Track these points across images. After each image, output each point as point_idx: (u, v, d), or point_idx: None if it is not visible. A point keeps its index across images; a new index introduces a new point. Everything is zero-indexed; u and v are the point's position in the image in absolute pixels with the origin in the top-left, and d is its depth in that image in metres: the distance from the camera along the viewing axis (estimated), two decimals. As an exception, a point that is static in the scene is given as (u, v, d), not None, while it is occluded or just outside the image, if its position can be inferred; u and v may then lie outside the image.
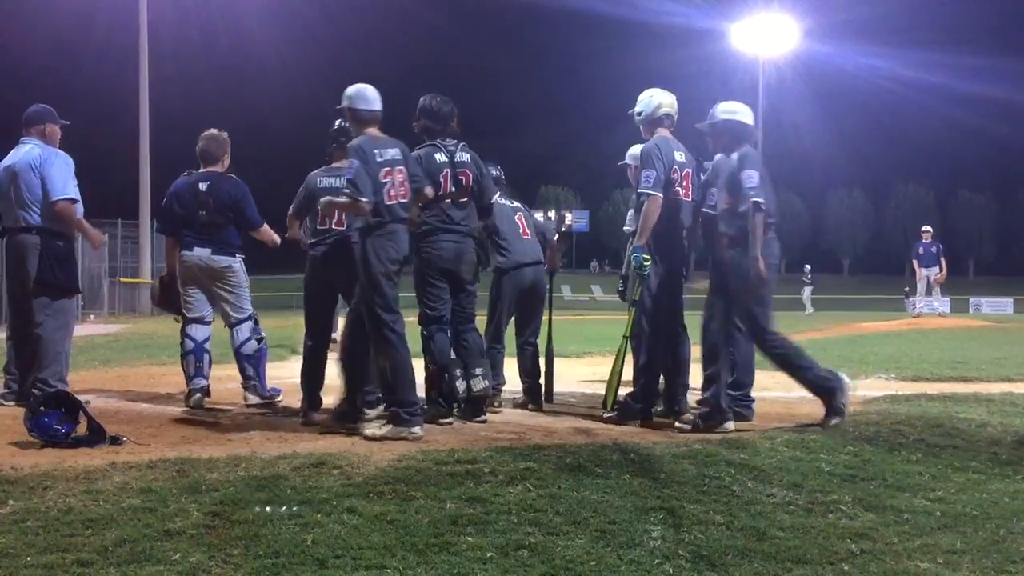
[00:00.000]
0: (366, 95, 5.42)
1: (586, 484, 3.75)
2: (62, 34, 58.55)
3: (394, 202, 5.23)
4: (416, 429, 5.05)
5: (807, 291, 41.07)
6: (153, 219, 32.98)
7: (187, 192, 6.44)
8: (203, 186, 6.40)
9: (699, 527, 3.14)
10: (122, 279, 31.15)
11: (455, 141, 5.81)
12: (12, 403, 6.18)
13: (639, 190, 5.75)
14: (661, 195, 5.60)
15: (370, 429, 5.12)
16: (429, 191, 5.56)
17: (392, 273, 5.22)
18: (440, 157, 5.70)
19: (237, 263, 6.52)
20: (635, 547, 2.91)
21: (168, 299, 6.67)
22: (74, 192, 6.28)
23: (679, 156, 5.73)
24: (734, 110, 5.71)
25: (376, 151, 5.23)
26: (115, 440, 4.75)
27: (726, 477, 3.91)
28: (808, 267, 44.42)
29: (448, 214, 5.70)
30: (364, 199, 5.10)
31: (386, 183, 5.20)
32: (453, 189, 5.69)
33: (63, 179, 6.20)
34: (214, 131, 6.61)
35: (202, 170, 6.53)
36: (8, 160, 6.29)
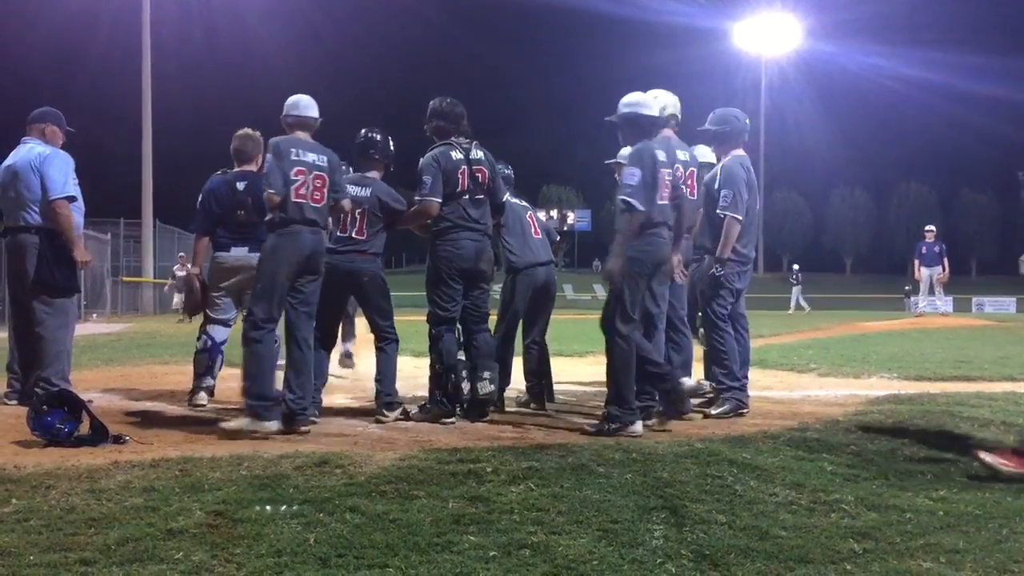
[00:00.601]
0: (298, 103, 5.55)
1: (588, 483, 3.76)
2: (65, 34, 58.70)
3: (301, 201, 5.30)
4: (270, 424, 5.10)
5: (796, 291, 41.76)
6: (156, 218, 33.10)
7: (224, 191, 6.42)
8: (241, 185, 6.38)
9: (701, 526, 3.14)
10: (124, 278, 31.20)
11: (468, 140, 5.82)
12: (15, 402, 6.19)
13: None
14: None
15: (226, 424, 5.19)
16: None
17: (283, 275, 5.28)
18: (456, 155, 5.72)
19: None
20: (637, 546, 2.91)
21: (204, 301, 6.62)
22: (73, 190, 6.27)
23: (682, 155, 5.73)
24: (635, 102, 5.54)
25: (293, 150, 5.33)
26: (118, 439, 4.75)
27: (728, 476, 3.91)
28: (796, 267, 44.84)
29: (467, 211, 5.71)
30: (272, 190, 5.23)
31: (295, 181, 5.28)
32: (471, 186, 5.71)
33: (63, 178, 6.19)
34: (248, 130, 6.58)
35: (237, 169, 6.50)
36: (9, 160, 6.29)
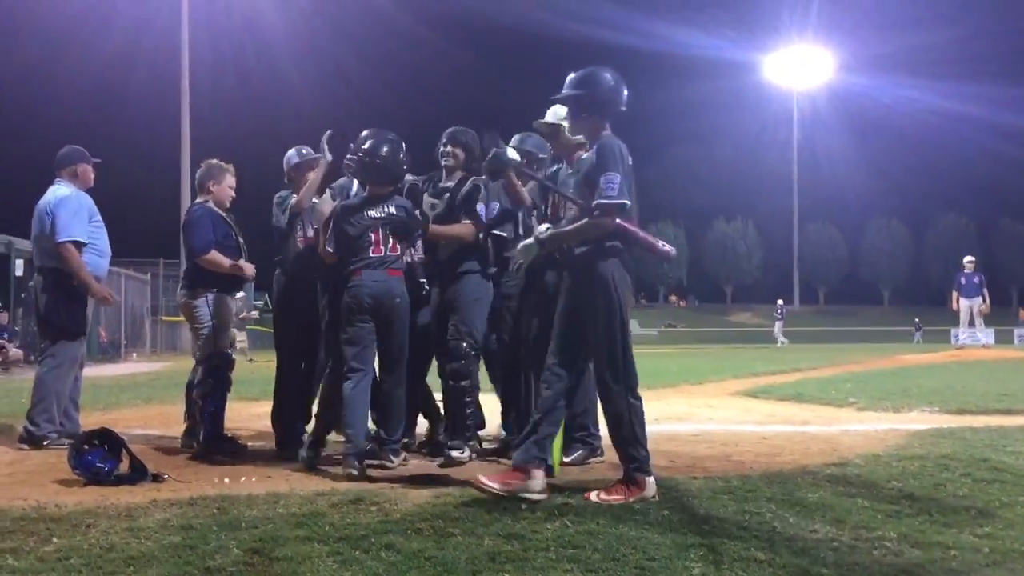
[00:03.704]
0: None
1: (624, 520, 3.72)
2: (104, 77, 60.11)
3: None
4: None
5: (778, 325, 42.40)
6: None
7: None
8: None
9: (740, 564, 3.09)
10: (163, 318, 31.62)
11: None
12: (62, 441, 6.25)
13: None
14: None
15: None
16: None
17: None
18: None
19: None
20: (675, 584, 2.87)
21: None
22: (80, 234, 6.29)
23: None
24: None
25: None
26: (156, 477, 4.79)
27: (767, 513, 3.86)
28: (781, 302, 45.30)
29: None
30: None
31: None
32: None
33: (68, 221, 6.25)
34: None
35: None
36: (40, 203, 6.44)
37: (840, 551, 3.28)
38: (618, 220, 4.24)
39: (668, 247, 4.55)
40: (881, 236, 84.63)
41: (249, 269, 6.26)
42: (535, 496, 4.12)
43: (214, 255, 6.09)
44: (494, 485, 4.14)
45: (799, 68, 73.22)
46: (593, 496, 4.14)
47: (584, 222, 4.28)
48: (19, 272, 20.18)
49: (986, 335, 24.90)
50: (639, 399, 4.36)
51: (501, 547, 3.30)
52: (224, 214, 6.34)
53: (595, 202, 4.21)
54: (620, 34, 73.53)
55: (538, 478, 4.20)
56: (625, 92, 4.46)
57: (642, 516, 3.80)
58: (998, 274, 66.34)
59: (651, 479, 4.24)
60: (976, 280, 20.50)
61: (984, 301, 20.41)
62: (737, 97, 78.20)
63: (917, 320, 57.30)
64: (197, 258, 6.11)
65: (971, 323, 21.11)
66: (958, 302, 20.69)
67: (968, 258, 21.26)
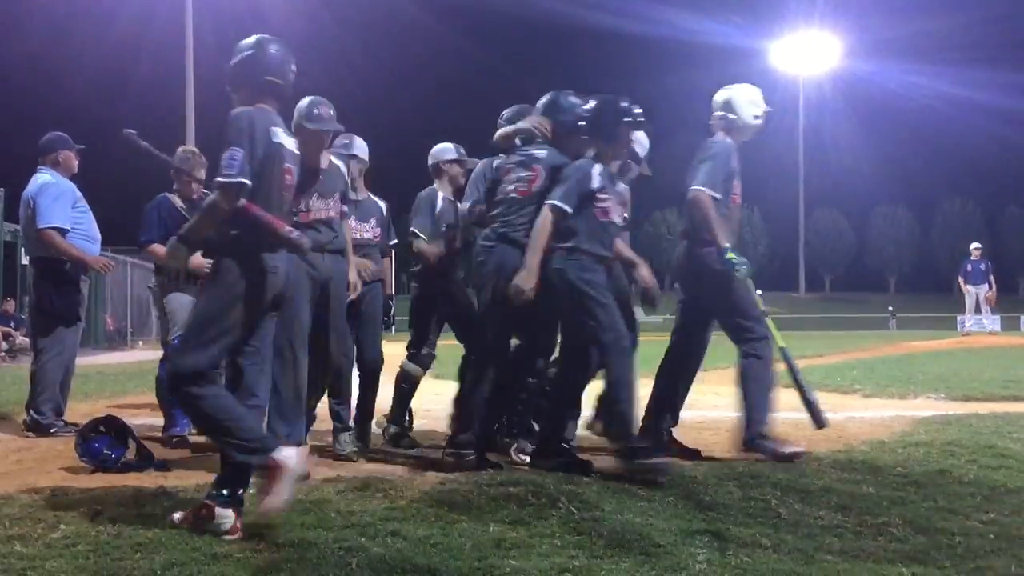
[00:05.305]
0: None
1: (630, 506, 3.73)
2: (110, 66, 60.08)
3: None
4: None
5: None
6: (199, 246, 33.55)
7: None
8: None
9: (745, 550, 3.10)
10: (170, 306, 31.67)
11: None
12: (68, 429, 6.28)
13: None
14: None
15: None
16: None
17: None
18: None
19: None
20: (680, 570, 2.88)
21: None
22: (61, 220, 6.20)
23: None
24: None
25: None
26: (163, 464, 4.81)
27: (772, 499, 3.86)
28: (759, 292, 45.81)
29: None
30: None
31: None
32: None
33: (48, 207, 6.18)
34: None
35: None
36: (24, 192, 6.41)
37: (845, 537, 3.28)
38: (243, 201, 3.52)
39: (298, 235, 3.71)
40: (887, 223, 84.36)
41: (198, 263, 5.45)
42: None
43: (154, 248, 5.85)
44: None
45: (805, 54, 72.85)
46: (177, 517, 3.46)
47: (202, 205, 3.64)
48: (25, 261, 20.26)
49: (992, 322, 24.83)
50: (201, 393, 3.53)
51: (507, 533, 3.31)
52: (183, 207, 6.00)
53: (214, 180, 3.58)
54: (626, 21, 73.41)
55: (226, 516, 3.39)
56: (291, 69, 3.82)
57: (647, 503, 3.80)
58: (1005, 261, 66.10)
59: (227, 512, 3.38)
60: (983, 267, 20.46)
61: (991, 288, 20.39)
62: (743, 83, 77.82)
63: (891, 308, 58.11)
64: (140, 248, 6.13)
65: (977, 310, 21.10)
66: (965, 289, 20.67)
67: (975, 245, 21.19)
